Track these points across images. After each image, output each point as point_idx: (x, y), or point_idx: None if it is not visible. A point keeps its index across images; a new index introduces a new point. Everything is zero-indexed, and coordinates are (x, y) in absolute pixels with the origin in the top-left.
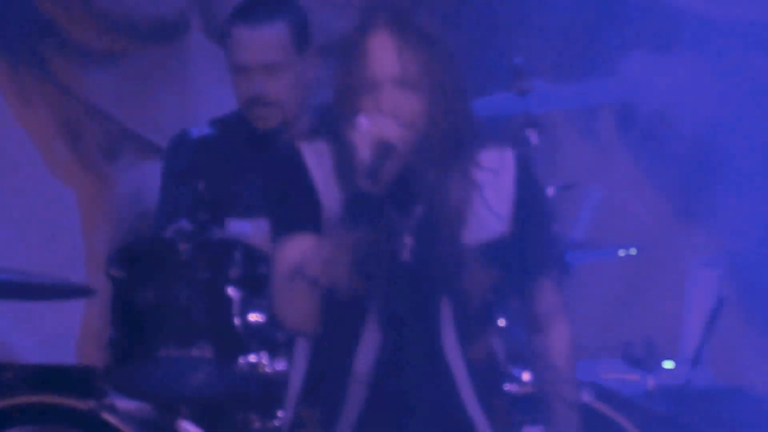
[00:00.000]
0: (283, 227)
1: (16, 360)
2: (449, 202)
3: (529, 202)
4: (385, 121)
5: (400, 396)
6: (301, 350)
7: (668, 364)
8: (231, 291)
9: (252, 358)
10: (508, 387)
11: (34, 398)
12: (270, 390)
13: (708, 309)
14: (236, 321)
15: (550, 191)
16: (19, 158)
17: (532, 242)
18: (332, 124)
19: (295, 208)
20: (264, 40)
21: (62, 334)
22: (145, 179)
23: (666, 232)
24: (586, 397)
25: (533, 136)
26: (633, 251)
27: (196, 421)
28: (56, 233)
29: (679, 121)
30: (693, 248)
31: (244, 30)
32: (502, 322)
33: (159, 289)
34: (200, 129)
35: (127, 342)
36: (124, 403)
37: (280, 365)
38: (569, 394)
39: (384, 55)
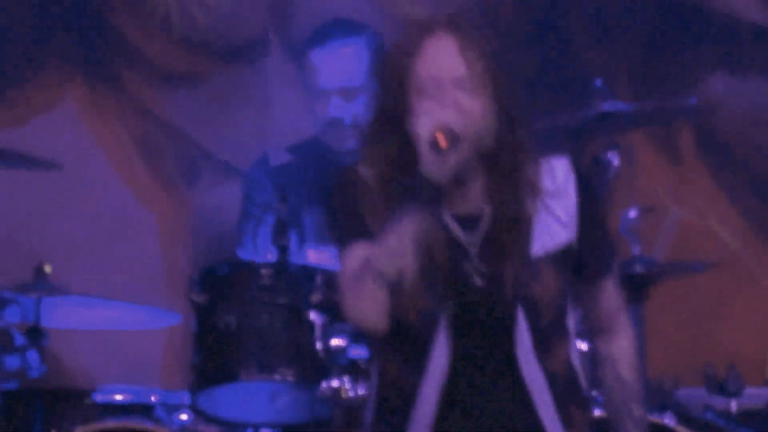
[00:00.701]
0: (347, 239)
1: (99, 386)
2: (515, 212)
3: (591, 207)
4: (448, 111)
5: (473, 410)
6: (374, 370)
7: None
8: (312, 315)
9: (334, 382)
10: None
11: (118, 424)
12: (352, 414)
13: None
14: (318, 345)
15: (633, 213)
16: (98, 179)
17: (596, 246)
18: (381, 131)
19: (357, 223)
20: (343, 63)
21: (146, 359)
22: (223, 202)
23: (747, 253)
24: (669, 420)
25: (615, 158)
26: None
27: None
28: (137, 256)
29: (760, 141)
30: None
31: (322, 54)
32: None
33: (241, 314)
34: (278, 155)
35: (209, 366)
36: (206, 428)
37: (362, 390)
38: (638, 411)
39: (446, 55)
